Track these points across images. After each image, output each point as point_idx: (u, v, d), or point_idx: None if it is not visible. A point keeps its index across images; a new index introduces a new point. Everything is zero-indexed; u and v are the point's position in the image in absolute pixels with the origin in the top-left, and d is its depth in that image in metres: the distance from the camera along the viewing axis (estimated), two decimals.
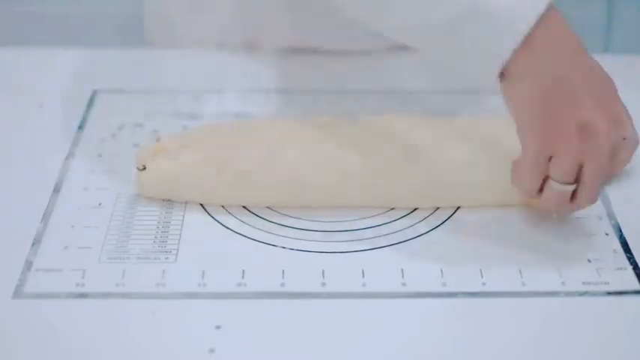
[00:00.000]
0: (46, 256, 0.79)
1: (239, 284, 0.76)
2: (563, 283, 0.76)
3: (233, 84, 1.02)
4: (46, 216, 0.83)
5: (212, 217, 0.83)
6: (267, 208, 0.84)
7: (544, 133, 0.74)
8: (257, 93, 1.01)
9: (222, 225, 0.82)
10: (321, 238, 0.81)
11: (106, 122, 0.96)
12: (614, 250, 0.80)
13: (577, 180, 0.74)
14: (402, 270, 0.77)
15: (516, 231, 0.82)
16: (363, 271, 0.77)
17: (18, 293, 0.75)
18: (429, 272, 0.77)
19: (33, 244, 0.80)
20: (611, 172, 0.77)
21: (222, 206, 0.84)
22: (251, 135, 0.86)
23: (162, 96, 1.00)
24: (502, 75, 0.74)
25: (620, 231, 0.82)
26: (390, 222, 0.83)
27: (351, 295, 0.75)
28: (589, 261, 0.79)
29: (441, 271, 0.77)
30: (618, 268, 0.78)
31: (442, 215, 0.83)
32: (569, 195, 0.76)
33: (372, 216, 0.83)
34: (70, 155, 0.91)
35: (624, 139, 0.77)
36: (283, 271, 0.77)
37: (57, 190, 0.86)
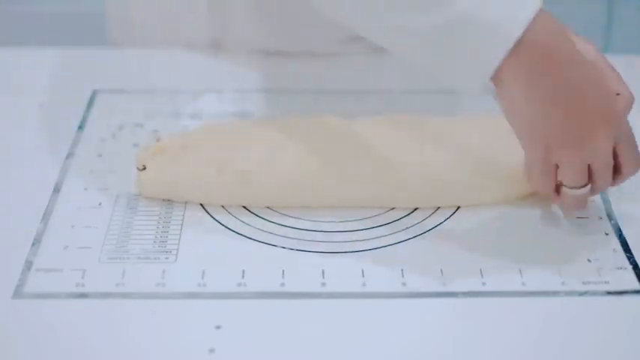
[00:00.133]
0: (46, 256, 0.78)
1: (239, 284, 0.76)
2: (563, 282, 0.76)
3: (233, 84, 1.02)
4: (46, 216, 0.83)
5: (212, 217, 0.83)
6: (267, 208, 0.84)
7: (543, 143, 0.74)
8: (257, 93, 1.01)
9: (222, 225, 0.82)
10: (321, 238, 0.81)
11: (106, 122, 0.96)
12: (614, 250, 0.80)
13: (590, 176, 0.76)
14: (402, 270, 0.77)
15: (516, 231, 0.82)
16: (363, 271, 0.77)
17: (18, 293, 0.75)
18: (429, 272, 0.77)
19: (33, 244, 0.80)
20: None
21: (222, 206, 0.84)
22: (251, 135, 0.86)
23: (162, 96, 1.00)
24: (494, 80, 0.73)
25: (620, 231, 0.82)
26: (390, 222, 0.83)
27: (351, 295, 0.75)
28: (589, 261, 0.79)
29: (441, 271, 0.77)
30: (618, 268, 0.78)
31: (442, 215, 0.83)
32: (588, 195, 0.77)
33: (372, 216, 0.83)
34: (70, 155, 0.91)
35: (618, 94, 0.75)
36: (283, 271, 0.77)
37: (57, 190, 0.86)
